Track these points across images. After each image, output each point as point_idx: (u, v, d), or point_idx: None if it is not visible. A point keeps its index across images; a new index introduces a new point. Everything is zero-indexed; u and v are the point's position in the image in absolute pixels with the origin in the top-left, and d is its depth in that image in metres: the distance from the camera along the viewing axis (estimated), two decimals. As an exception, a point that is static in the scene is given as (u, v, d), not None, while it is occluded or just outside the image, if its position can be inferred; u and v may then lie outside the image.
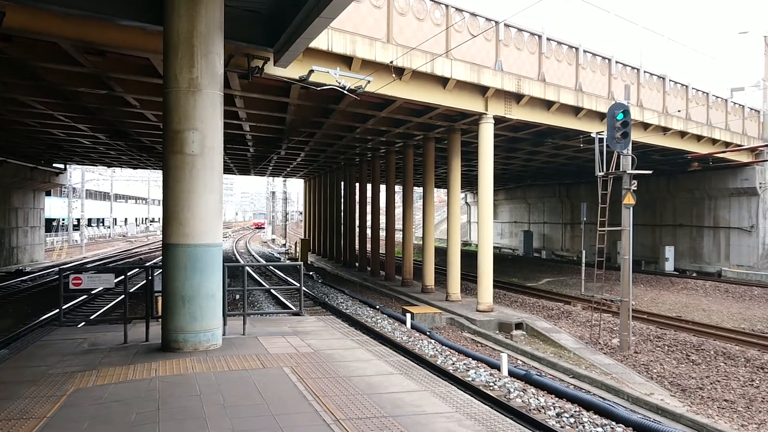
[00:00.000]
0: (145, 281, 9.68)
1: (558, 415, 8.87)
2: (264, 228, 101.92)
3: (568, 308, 20.25)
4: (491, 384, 10.45)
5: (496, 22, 16.85)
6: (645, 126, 22.31)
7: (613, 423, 8.62)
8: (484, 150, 18.37)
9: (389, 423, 5.43)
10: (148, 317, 9.30)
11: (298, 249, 41.28)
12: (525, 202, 48.82)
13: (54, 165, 34.41)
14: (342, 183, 36.42)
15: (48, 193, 43.89)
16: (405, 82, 15.37)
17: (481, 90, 17.27)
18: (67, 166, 38.01)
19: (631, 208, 15.33)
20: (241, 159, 33.84)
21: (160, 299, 9.00)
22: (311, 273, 29.15)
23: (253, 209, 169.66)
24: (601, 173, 15.80)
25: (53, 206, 55.15)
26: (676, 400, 11.14)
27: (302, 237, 49.68)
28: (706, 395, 11.53)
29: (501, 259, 40.22)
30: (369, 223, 32.20)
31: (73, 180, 53.84)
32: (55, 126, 21.36)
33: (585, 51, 19.64)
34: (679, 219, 33.91)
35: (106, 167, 47.06)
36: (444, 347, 13.72)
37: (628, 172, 15.17)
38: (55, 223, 59.43)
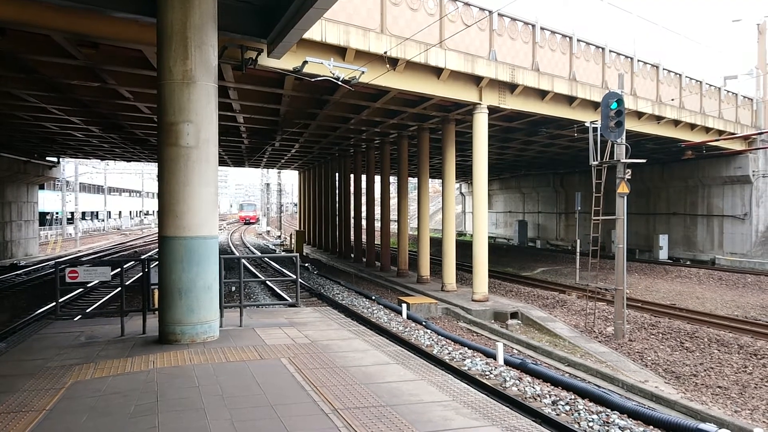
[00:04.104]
0: (141, 274, 9.68)
1: (554, 403, 8.95)
2: (254, 223, 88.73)
3: (563, 297, 20.35)
4: (487, 373, 10.53)
5: (490, 12, 16.82)
6: (639, 115, 22.35)
7: (608, 410, 8.70)
8: (479, 140, 18.39)
9: (387, 412, 5.47)
10: (145, 310, 9.32)
11: (293, 241, 41.30)
12: (519, 192, 48.90)
13: (47, 158, 34.27)
14: (337, 174, 36.39)
15: (41, 187, 43.68)
16: (399, 73, 15.35)
17: (476, 80, 17.27)
18: (61, 159, 37.86)
19: (625, 197, 15.40)
20: (235, 151, 33.77)
21: (156, 292, 9.02)
22: (307, 264, 29.18)
23: (242, 200, 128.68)
24: (596, 162, 15.85)
25: (47, 200, 54.96)
26: (670, 387, 11.24)
27: (297, 229, 49.67)
28: (700, 382, 11.65)
29: (496, 248, 40.34)
30: (364, 214, 32.22)
31: (67, 173, 53.69)
32: (48, 119, 21.26)
33: (579, 40, 19.63)
34: (673, 207, 34.05)
35: (99, 160, 46.84)
36: (440, 337, 13.80)
37: (622, 161, 15.23)
38: (48, 217, 59.25)
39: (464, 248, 27.21)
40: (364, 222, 32.03)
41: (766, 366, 12.36)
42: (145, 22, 10.08)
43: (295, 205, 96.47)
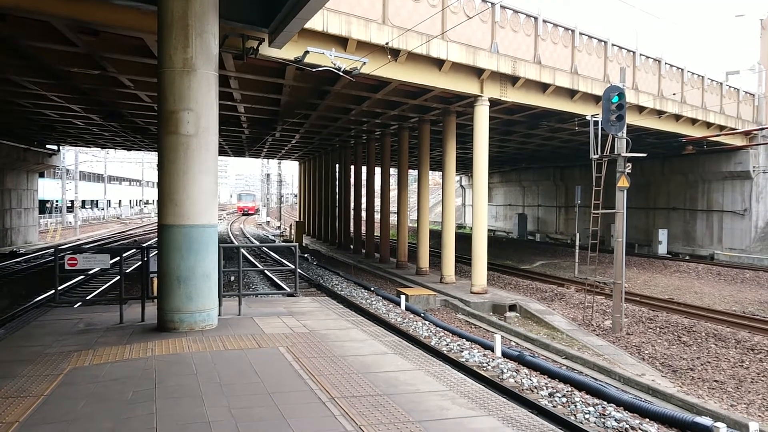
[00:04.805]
0: (140, 262, 9.69)
1: (550, 395, 8.98)
2: (253, 214, 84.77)
3: (562, 290, 20.39)
4: (485, 364, 10.55)
5: (492, 4, 16.75)
6: (640, 109, 22.31)
7: (605, 403, 8.73)
8: (480, 132, 18.36)
9: (384, 401, 5.50)
10: (144, 298, 9.33)
11: (292, 231, 41.31)
12: (519, 185, 48.86)
13: (47, 146, 34.23)
14: (337, 165, 36.37)
15: (41, 175, 43.65)
16: (400, 64, 15.31)
17: (477, 72, 17.22)
18: (61, 147, 37.80)
19: (625, 191, 15.39)
20: (235, 141, 33.72)
21: (155, 280, 9.03)
22: (306, 255, 29.20)
23: (241, 190, 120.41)
24: (596, 156, 15.83)
25: (47, 188, 54.90)
26: (667, 381, 11.28)
27: (297, 219, 49.67)
28: (697, 376, 11.68)
29: (495, 241, 40.35)
30: (364, 206, 32.23)
31: (67, 161, 53.57)
32: (48, 106, 21.22)
33: (581, 33, 19.57)
34: (673, 202, 34.05)
35: (99, 148, 46.81)
36: (438, 328, 13.82)
37: (622, 155, 15.21)
38: (48, 205, 59.23)
39: (464, 241, 27.20)
40: (363, 213, 32.04)
41: (763, 361, 12.40)
42: (146, 9, 10.04)
43: (296, 195, 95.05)
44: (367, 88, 17.89)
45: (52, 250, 18.34)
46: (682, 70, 24.39)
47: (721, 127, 27.11)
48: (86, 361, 6.85)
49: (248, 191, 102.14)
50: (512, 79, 18.02)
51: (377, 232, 31.88)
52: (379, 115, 22.65)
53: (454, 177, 22.18)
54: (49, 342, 7.82)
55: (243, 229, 54.49)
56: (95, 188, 74.25)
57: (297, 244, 11.82)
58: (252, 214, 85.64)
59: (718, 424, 7.39)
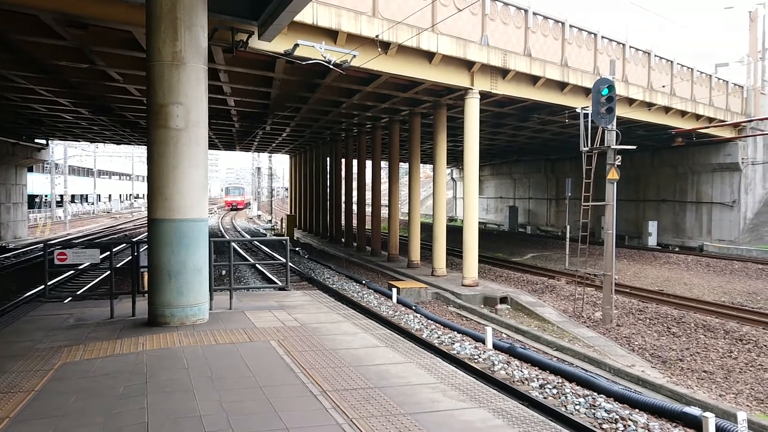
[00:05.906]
0: (131, 257, 9.66)
1: (541, 386, 9.03)
2: (242, 208, 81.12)
3: (552, 282, 20.48)
4: (476, 357, 10.60)
5: (483, -4, 16.74)
6: (630, 101, 22.38)
7: (595, 394, 8.79)
8: (470, 125, 18.38)
9: (375, 394, 5.51)
10: (135, 292, 9.30)
11: (284, 225, 41.25)
12: (510, 178, 48.95)
13: (36, 140, 33.99)
14: (328, 159, 36.31)
15: (30, 169, 43.33)
16: (391, 57, 15.28)
17: (467, 65, 17.21)
18: (50, 141, 37.54)
19: (615, 183, 15.46)
20: (226, 134, 33.59)
21: (146, 274, 9.00)
22: (297, 249, 29.17)
23: (229, 183, 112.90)
24: (586, 148, 15.88)
25: (36, 182, 54.50)
26: (656, 372, 11.38)
27: (288, 213, 49.58)
28: (686, 366, 11.79)
29: (486, 234, 40.46)
30: (355, 199, 32.22)
31: (56, 156, 53.22)
32: (36, 101, 21.06)
33: (571, 26, 19.59)
34: (663, 194, 34.23)
35: (89, 143, 46.51)
36: (429, 321, 13.86)
37: (612, 147, 15.27)
38: (38, 200, 58.81)
39: (455, 233, 27.26)
40: (355, 207, 32.03)
41: (751, 351, 12.53)
42: (135, 2, 9.99)
43: (286, 189, 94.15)
44: (357, 81, 17.86)
45: (41, 245, 18.23)
46: (671, 62, 24.46)
47: (711, 119, 27.25)
48: (77, 356, 6.82)
49: (236, 184, 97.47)
50: (502, 72, 18.03)
51: (369, 225, 31.89)
52: (370, 108, 22.62)
53: (445, 170, 22.21)
54: (39, 337, 7.78)
55: (234, 223, 54.35)
56: (85, 182, 73.78)
57: (288, 237, 11.78)
58: (241, 209, 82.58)
59: (707, 414, 7.46)
